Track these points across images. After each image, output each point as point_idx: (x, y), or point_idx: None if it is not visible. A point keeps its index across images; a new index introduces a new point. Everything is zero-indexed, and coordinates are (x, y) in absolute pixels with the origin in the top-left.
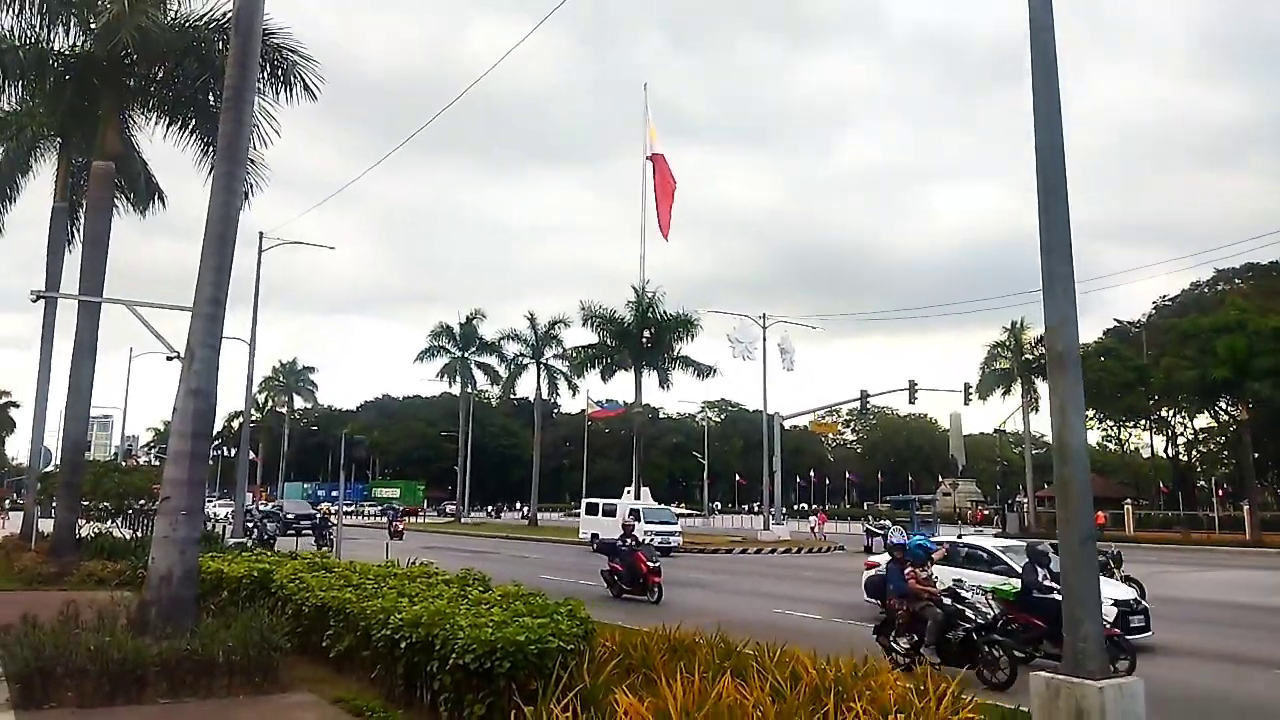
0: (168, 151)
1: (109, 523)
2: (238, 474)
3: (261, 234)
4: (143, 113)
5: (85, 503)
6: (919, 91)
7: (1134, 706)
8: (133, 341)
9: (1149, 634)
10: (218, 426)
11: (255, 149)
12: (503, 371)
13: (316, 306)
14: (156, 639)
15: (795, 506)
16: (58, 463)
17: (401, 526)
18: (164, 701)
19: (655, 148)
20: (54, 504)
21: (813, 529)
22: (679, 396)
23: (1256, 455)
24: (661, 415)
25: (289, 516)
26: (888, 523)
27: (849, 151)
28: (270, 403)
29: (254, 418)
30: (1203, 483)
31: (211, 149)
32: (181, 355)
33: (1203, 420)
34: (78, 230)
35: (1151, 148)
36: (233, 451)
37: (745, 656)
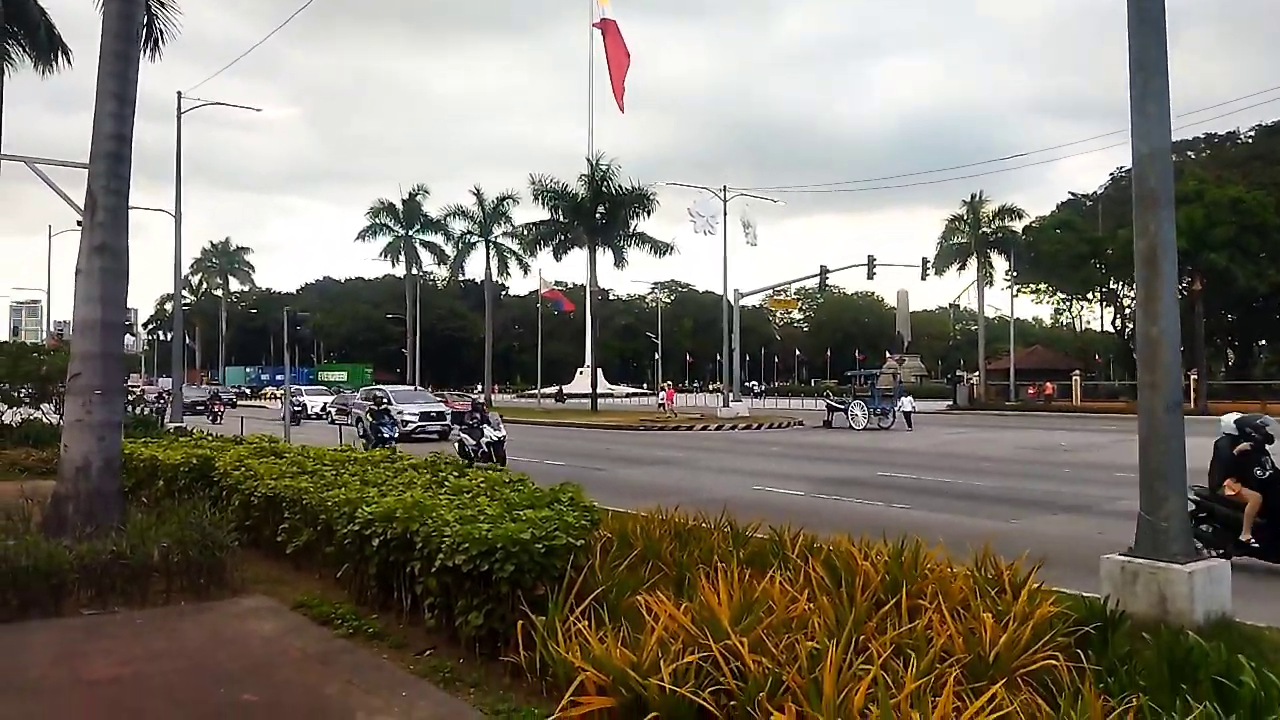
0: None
1: (35, 408)
2: (173, 356)
3: (180, 93)
4: None
5: (4, 386)
6: None
7: (1221, 591)
8: (52, 221)
9: None
10: (149, 311)
11: None
12: (449, 251)
13: (246, 185)
14: (76, 540)
15: (746, 384)
16: None
17: (220, 408)
18: (89, 612)
19: (605, 13)
20: None
21: (661, 405)
22: (630, 277)
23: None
24: (612, 297)
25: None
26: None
27: (788, 24)
28: (204, 285)
29: (187, 300)
30: None
31: None
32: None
33: None
34: None
35: (1096, 23)
36: (168, 336)
37: (760, 542)
